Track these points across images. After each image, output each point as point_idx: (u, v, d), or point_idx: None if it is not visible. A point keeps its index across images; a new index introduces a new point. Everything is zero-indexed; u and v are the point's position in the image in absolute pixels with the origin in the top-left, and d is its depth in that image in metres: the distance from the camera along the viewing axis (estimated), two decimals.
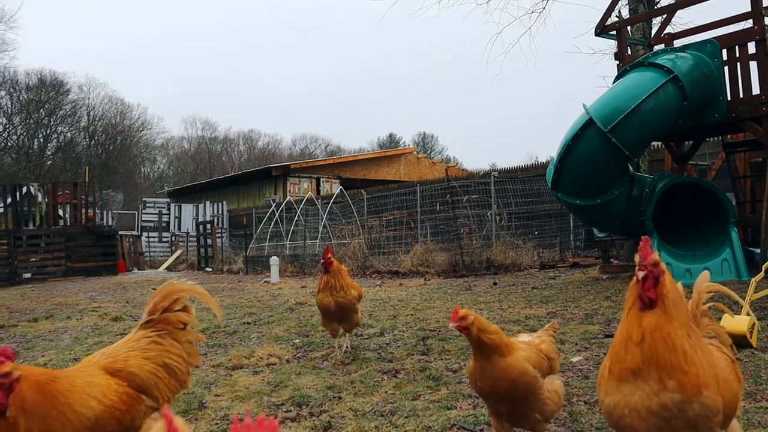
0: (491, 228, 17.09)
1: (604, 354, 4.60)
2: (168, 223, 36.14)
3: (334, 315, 6.42)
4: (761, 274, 6.31)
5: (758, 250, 10.43)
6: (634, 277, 2.33)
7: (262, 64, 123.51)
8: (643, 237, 2.38)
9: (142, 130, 67.43)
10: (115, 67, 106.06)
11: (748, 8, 11.13)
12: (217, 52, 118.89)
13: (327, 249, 6.52)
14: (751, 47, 11.05)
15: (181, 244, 33.43)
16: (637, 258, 2.34)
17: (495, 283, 12.32)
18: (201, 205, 36.30)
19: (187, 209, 36.48)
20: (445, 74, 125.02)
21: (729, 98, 11.09)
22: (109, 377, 2.82)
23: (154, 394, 2.98)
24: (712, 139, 15.15)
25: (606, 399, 2.38)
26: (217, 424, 4.64)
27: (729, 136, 14.04)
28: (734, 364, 2.64)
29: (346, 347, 6.77)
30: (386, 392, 5.15)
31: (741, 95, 11.08)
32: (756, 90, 11.00)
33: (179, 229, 35.72)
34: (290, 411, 4.84)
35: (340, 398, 5.07)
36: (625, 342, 2.33)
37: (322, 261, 6.43)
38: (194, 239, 31.59)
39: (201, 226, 29.58)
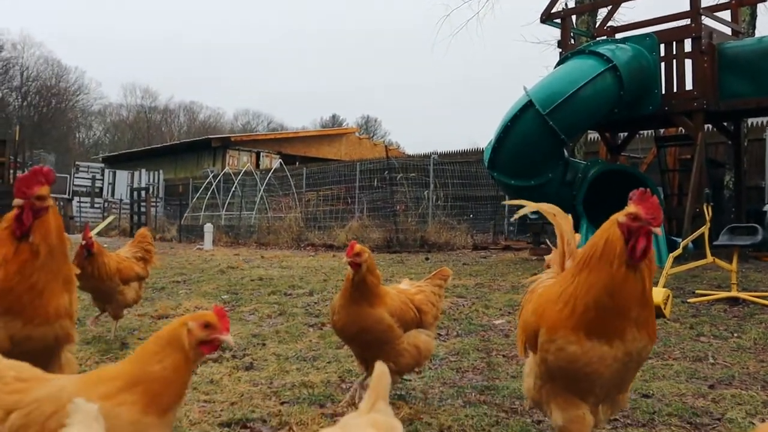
0: (427, 207, 17.27)
1: None
2: (101, 188, 35.17)
3: (97, 296, 5.25)
4: (679, 251, 6.60)
5: (680, 239, 10.83)
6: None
7: (209, 34, 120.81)
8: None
9: (79, 94, 65.14)
10: (52, 25, 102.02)
11: (687, 8, 11.50)
12: (164, 21, 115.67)
13: (86, 228, 5.22)
14: (688, 44, 11.44)
15: (114, 210, 32.62)
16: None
17: (427, 258, 12.48)
18: (137, 173, 35.40)
19: (122, 176, 35.55)
20: (393, 61, 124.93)
21: (663, 92, 11.46)
22: None
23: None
24: (645, 133, 15.61)
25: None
26: None
27: (662, 130, 14.51)
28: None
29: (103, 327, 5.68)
30: (310, 341, 5.20)
31: (675, 89, 11.48)
32: (689, 85, 11.41)
33: (113, 195, 34.79)
34: (212, 354, 4.82)
35: (264, 344, 5.08)
36: None
37: (83, 242, 4.99)
38: (128, 206, 30.84)
39: (135, 193, 28.92)
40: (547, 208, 3.02)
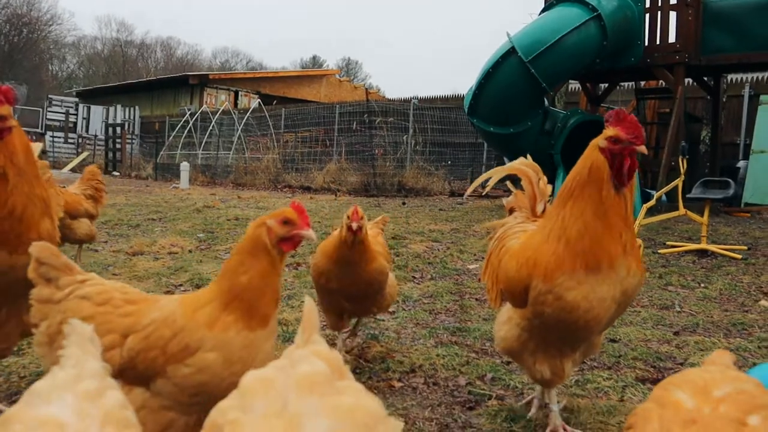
0: (406, 152, 17.23)
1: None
2: (75, 124, 34.53)
3: None
4: (652, 202, 6.69)
5: (654, 191, 10.96)
6: None
7: None
8: None
9: (52, 24, 63.33)
10: None
11: None
12: None
13: None
14: None
15: (89, 146, 32.10)
16: None
17: (404, 203, 12.53)
18: (112, 108, 34.76)
19: (97, 111, 34.90)
20: (377, 5, 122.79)
21: (646, 43, 11.43)
22: None
23: None
24: (626, 85, 15.61)
25: None
26: None
27: (642, 83, 14.51)
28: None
29: None
30: (285, 280, 5.22)
31: (658, 42, 11.44)
32: (672, 38, 11.37)
33: (87, 131, 34.22)
34: (188, 290, 4.85)
35: None
36: None
37: None
38: (102, 142, 30.38)
39: (111, 129, 28.49)
40: (501, 171, 2.91)
